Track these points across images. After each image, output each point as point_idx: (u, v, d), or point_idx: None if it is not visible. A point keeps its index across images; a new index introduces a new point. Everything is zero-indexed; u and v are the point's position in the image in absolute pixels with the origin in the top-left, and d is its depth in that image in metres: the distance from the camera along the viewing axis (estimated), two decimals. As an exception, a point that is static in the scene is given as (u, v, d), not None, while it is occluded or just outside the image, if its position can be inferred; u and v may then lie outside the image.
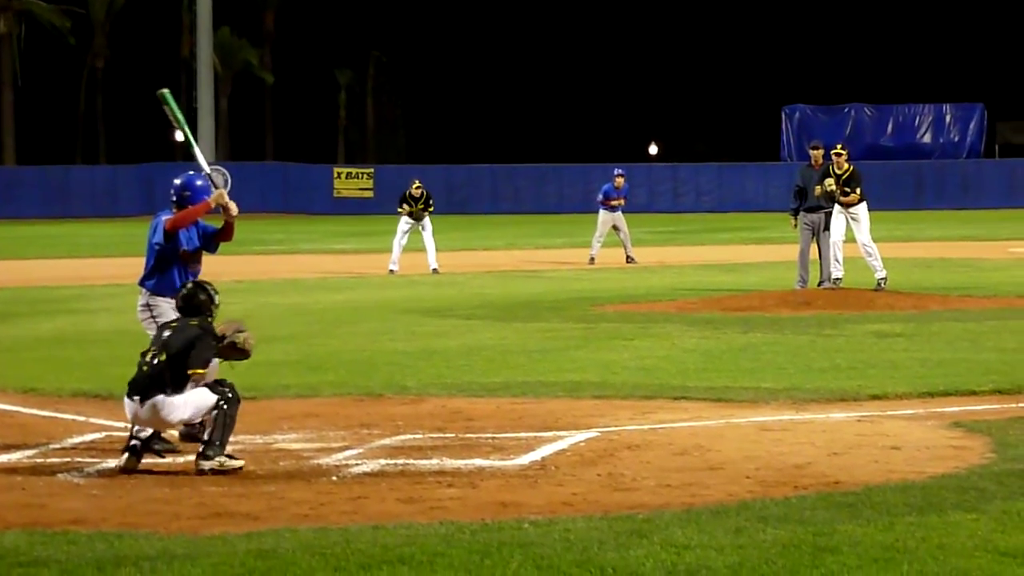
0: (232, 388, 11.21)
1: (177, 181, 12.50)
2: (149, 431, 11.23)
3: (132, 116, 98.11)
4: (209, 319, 11.38)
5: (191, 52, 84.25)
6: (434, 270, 33.36)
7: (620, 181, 36.84)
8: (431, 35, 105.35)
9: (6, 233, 57.46)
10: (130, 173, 75.63)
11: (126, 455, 11.09)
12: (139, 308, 12.38)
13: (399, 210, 34.55)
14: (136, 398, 11.07)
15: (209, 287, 11.52)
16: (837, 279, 24.82)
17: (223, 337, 11.29)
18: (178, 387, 11.08)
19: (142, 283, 12.40)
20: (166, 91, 12.68)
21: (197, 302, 11.42)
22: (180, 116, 12.62)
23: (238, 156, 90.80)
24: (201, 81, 77.10)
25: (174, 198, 12.41)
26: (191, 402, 11.09)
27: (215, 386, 11.19)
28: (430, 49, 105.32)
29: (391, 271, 33.45)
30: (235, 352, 11.39)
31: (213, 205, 12.28)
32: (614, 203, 36.52)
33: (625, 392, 14.57)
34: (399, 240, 33.98)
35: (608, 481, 10.46)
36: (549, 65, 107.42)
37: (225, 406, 11.07)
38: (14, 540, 8.71)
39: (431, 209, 34.54)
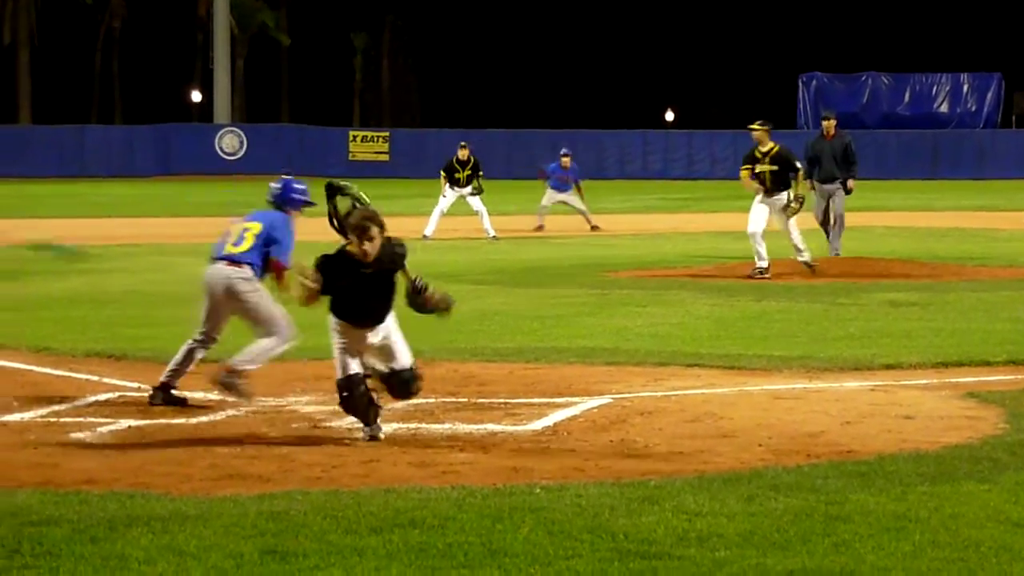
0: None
1: (276, 185, 12.41)
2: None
3: (148, 76, 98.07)
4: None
5: (208, 12, 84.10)
6: (493, 237, 31.80)
7: (566, 161, 36.31)
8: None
9: (20, 192, 57.49)
10: (145, 133, 75.59)
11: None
12: (242, 280, 12.14)
13: (442, 180, 32.80)
14: None
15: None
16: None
17: (423, 288, 11.01)
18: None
19: (246, 262, 12.19)
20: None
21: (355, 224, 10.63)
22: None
23: (254, 118, 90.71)
24: (217, 42, 77.02)
25: (276, 199, 12.31)
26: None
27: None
28: (445, 13, 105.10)
29: (425, 237, 31.29)
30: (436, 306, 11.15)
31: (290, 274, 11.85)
32: (558, 180, 35.93)
33: (638, 359, 14.55)
34: (441, 208, 32.35)
35: (620, 447, 10.45)
36: (565, 30, 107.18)
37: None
38: (26, 499, 8.72)
39: (481, 174, 32.76)
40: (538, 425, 11.25)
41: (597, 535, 7.90)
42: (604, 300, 20.15)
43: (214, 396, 12.24)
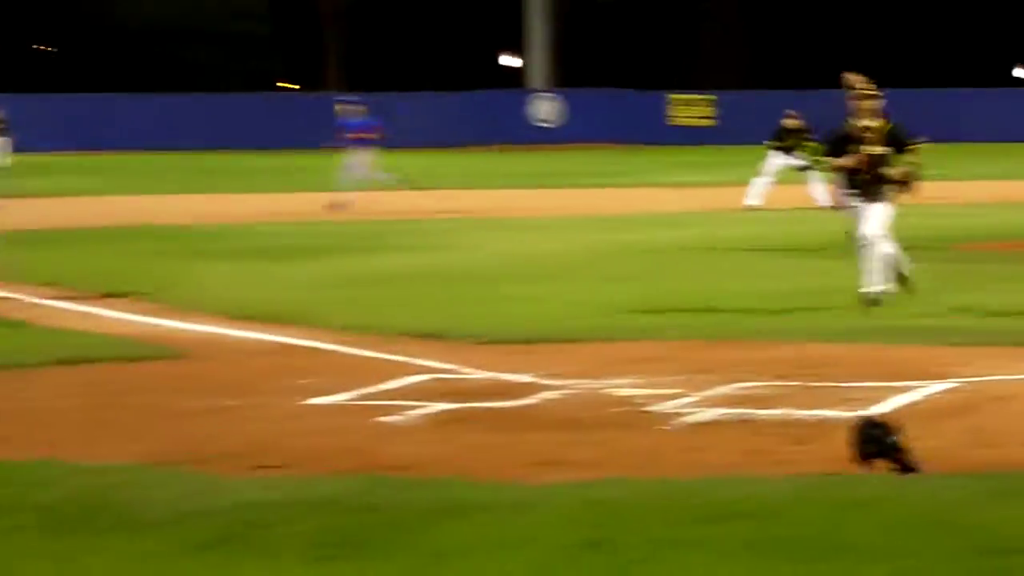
0: None
1: None
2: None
3: (460, 41, 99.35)
4: None
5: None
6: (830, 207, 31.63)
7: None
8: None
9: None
10: (456, 101, 76.60)
11: None
12: None
13: (766, 146, 33.46)
14: None
15: None
16: None
17: None
18: None
19: None
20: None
21: None
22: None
23: (571, 83, 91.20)
24: (533, 2, 77.77)
25: None
26: None
27: None
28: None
29: (750, 206, 32.29)
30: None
31: None
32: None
33: (989, 339, 14.21)
34: (768, 177, 32.78)
35: (969, 436, 10.25)
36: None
37: None
38: (343, 485, 8.91)
39: (811, 141, 31.99)
40: (876, 411, 11.10)
41: (947, 530, 7.76)
42: (952, 274, 19.68)
43: (527, 378, 12.39)
